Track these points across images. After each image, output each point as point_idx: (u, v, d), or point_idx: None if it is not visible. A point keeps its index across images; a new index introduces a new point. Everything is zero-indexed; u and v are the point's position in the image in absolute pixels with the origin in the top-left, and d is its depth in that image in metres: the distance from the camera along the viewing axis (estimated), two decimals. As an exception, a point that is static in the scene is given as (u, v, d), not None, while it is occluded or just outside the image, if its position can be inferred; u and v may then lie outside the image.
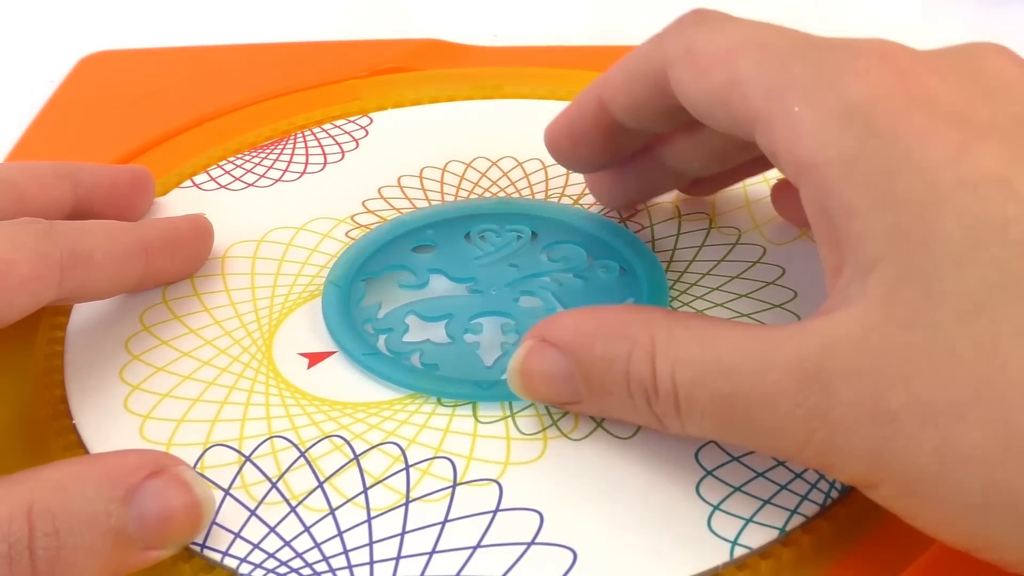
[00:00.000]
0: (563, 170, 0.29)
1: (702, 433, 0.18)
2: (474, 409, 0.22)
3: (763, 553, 0.19)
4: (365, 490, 0.20)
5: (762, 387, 0.17)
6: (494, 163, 0.30)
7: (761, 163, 0.25)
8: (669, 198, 0.28)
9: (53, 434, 0.22)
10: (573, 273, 0.26)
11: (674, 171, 0.25)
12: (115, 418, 0.22)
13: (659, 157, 0.25)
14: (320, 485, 0.20)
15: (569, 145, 0.24)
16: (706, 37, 0.20)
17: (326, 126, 0.32)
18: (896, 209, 0.16)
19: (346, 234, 0.27)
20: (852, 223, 0.17)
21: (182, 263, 0.25)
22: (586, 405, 0.20)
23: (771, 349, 0.17)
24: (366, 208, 0.29)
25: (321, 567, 0.19)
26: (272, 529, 0.19)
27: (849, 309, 0.16)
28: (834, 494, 0.20)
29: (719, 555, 0.19)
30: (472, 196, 0.29)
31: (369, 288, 0.26)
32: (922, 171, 0.16)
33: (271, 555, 0.19)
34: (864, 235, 0.16)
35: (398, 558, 0.19)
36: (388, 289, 0.26)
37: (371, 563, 0.19)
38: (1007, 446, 0.15)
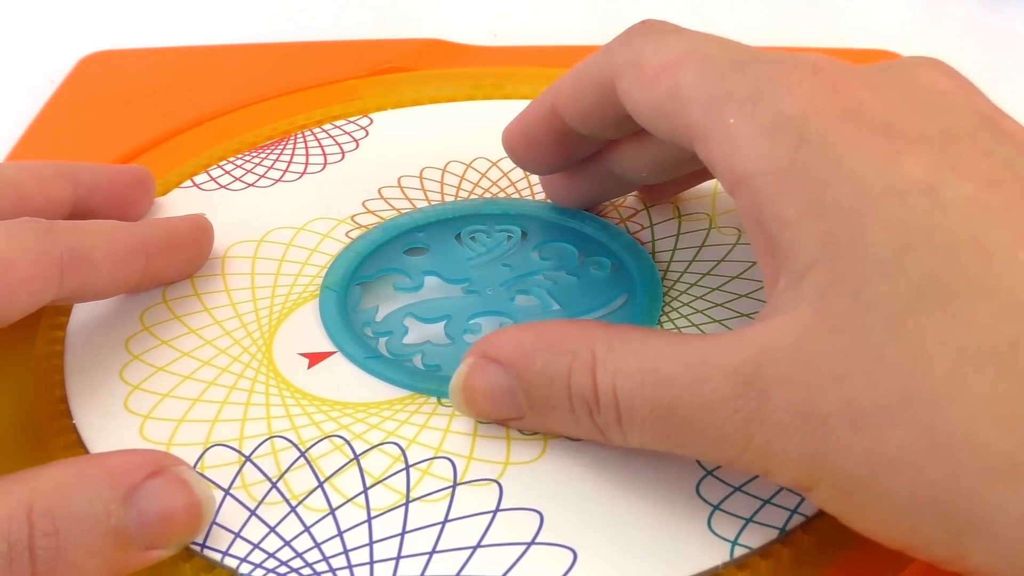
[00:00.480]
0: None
1: (644, 444, 0.18)
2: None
3: (763, 553, 0.19)
4: (365, 490, 0.20)
5: (701, 395, 0.17)
6: (494, 163, 0.30)
7: (709, 173, 0.25)
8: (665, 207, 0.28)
9: (53, 434, 0.22)
10: (566, 271, 0.26)
11: (624, 178, 0.25)
12: (115, 418, 0.22)
13: (609, 164, 0.25)
14: (320, 485, 0.20)
15: (523, 148, 0.25)
16: (651, 49, 0.20)
17: (326, 126, 0.32)
18: (826, 217, 0.16)
19: (346, 234, 0.28)
20: (784, 232, 0.17)
21: (182, 263, 0.25)
22: (528, 420, 0.20)
23: (709, 358, 0.17)
24: (366, 208, 0.29)
25: (321, 567, 0.19)
26: (272, 529, 0.19)
27: (783, 316, 0.17)
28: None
29: (719, 555, 0.19)
30: (472, 196, 0.29)
31: (365, 292, 0.26)
32: (851, 180, 0.16)
33: (271, 555, 0.19)
34: (796, 244, 0.17)
35: (398, 558, 0.19)
36: (384, 292, 0.26)
37: (371, 563, 0.19)
38: (933, 446, 0.15)
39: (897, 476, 0.15)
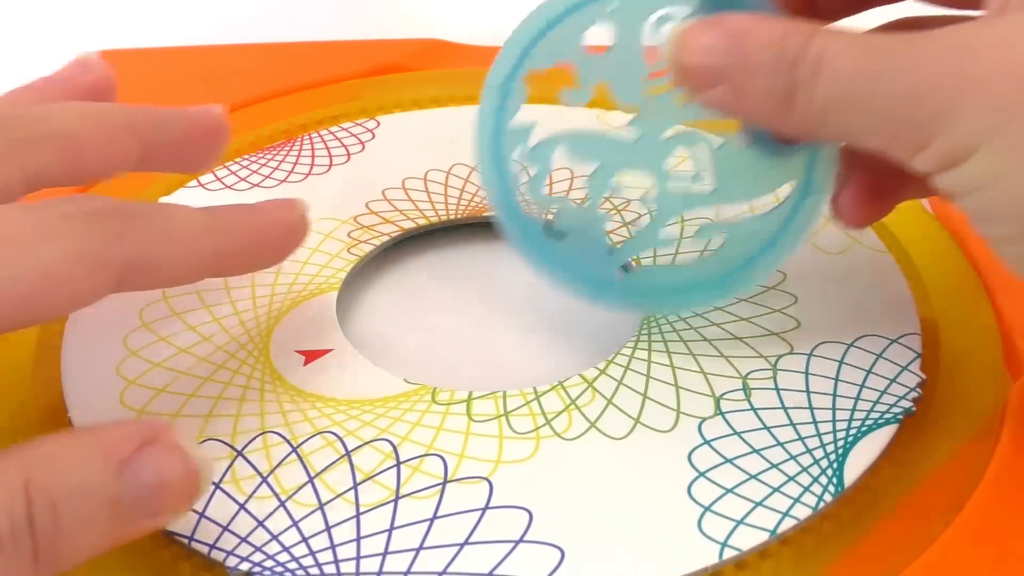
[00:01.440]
0: (567, 173, 0.29)
1: (828, 104, 0.19)
2: (468, 407, 0.22)
3: (763, 553, 0.19)
4: (355, 486, 0.20)
5: (903, 55, 0.18)
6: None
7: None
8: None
9: (49, 428, 0.22)
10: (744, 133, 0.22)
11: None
12: (111, 412, 0.22)
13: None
14: (310, 480, 0.20)
15: None
16: None
17: (333, 128, 0.32)
18: None
19: (348, 235, 0.28)
20: None
21: (260, 267, 0.23)
22: (721, 88, 0.19)
23: (916, 37, 0.18)
24: (369, 209, 0.29)
25: (307, 561, 0.19)
26: (260, 523, 0.19)
27: (993, 19, 0.18)
28: (827, 497, 0.20)
29: (708, 556, 0.19)
30: (474, 202, 0.29)
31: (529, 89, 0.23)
32: None
33: (258, 548, 0.19)
34: None
35: (385, 553, 0.19)
36: (547, 93, 0.23)
37: (358, 558, 0.19)
38: None
39: None
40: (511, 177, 0.23)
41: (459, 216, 0.29)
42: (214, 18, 0.43)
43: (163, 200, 0.29)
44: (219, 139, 0.23)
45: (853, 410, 0.22)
